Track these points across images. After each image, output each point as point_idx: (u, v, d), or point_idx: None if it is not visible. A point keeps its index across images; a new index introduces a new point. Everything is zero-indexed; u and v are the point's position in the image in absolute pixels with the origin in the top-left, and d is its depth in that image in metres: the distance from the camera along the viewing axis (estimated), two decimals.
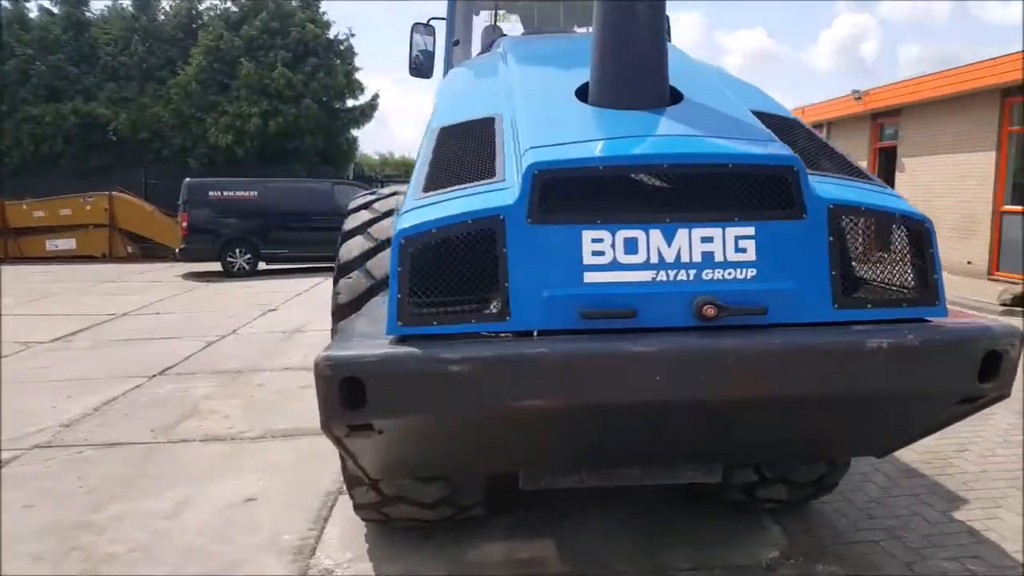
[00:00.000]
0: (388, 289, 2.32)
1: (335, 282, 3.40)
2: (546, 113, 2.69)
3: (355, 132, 25.94)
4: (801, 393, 2.23)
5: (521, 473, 2.86)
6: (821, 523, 3.82)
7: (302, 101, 23.14)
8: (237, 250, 16.66)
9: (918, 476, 4.40)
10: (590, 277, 2.21)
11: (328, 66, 24.05)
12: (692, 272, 2.22)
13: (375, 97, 25.44)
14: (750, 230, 2.23)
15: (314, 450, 5.07)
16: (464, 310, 2.20)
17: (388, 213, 3.50)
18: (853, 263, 2.50)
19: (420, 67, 6.05)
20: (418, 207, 2.31)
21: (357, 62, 25.81)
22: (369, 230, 3.46)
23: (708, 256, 2.22)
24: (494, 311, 2.19)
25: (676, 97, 2.68)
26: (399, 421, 2.18)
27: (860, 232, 2.51)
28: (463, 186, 2.36)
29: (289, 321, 10.30)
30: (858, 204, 2.36)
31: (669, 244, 2.21)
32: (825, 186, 2.37)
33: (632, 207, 2.25)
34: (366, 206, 3.64)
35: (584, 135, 2.43)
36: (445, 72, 5.81)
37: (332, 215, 16.08)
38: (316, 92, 23.54)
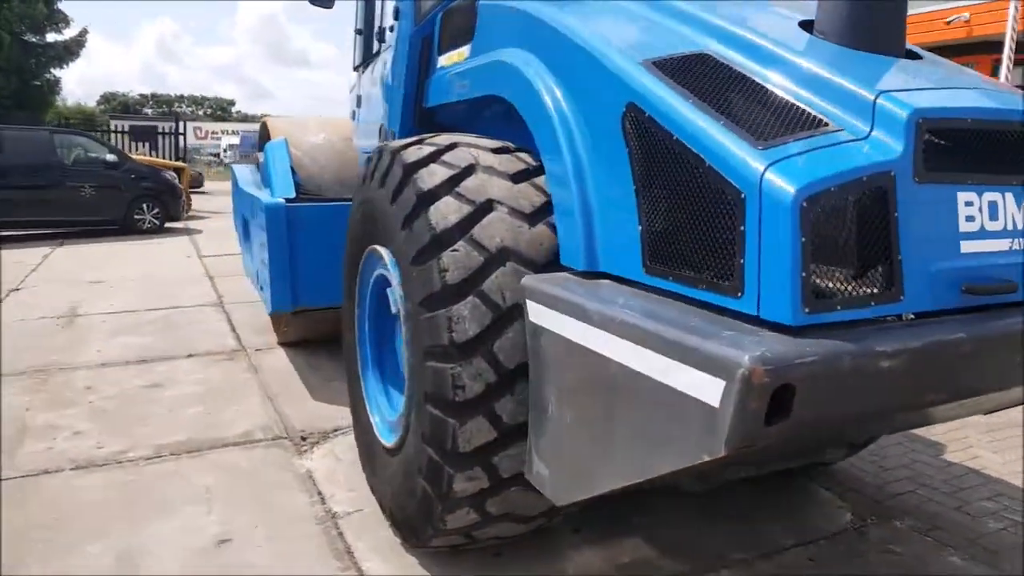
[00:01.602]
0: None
1: (422, 256, 2.65)
2: (804, 54, 2.26)
3: (57, 72, 21.72)
4: None
5: None
6: (859, 484, 3.91)
7: None
8: None
9: None
10: (967, 246, 1.92)
11: None
12: None
13: (83, 33, 21.44)
14: None
15: (247, 466, 4.08)
16: (855, 290, 1.77)
17: (469, 168, 2.80)
18: None
19: None
20: (785, 159, 1.78)
21: None
22: (458, 189, 2.74)
23: None
24: (886, 290, 1.80)
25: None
26: (810, 429, 1.72)
27: None
28: (799, 135, 1.88)
29: (50, 304, 8.28)
30: None
31: None
32: None
33: (994, 167, 1.98)
34: (432, 158, 2.88)
35: (909, 83, 2.09)
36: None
37: (56, 171, 13.44)
38: (8, 23, 19.20)
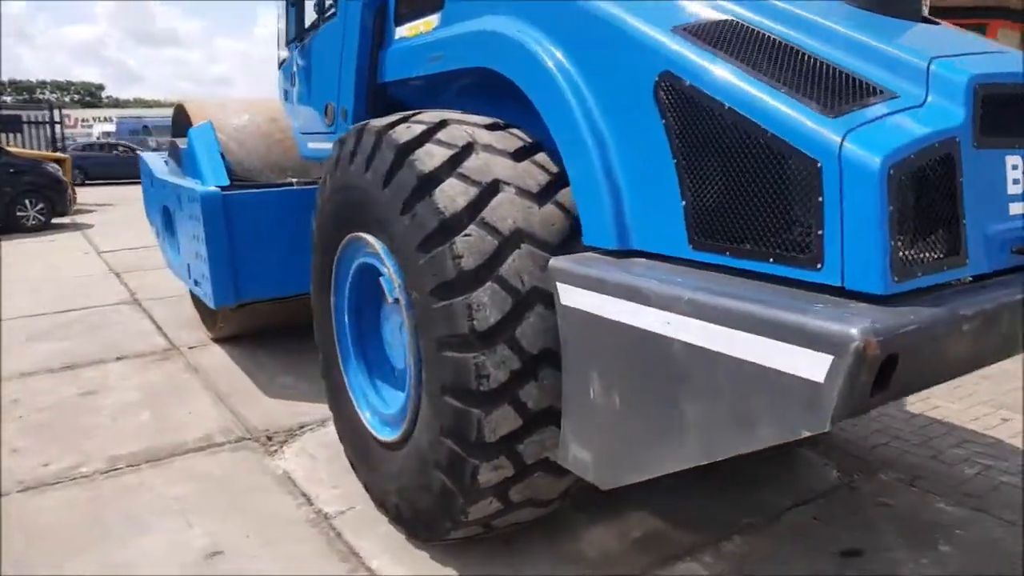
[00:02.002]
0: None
1: (430, 243, 2.55)
2: (832, 18, 2.26)
3: None
4: None
5: None
6: (838, 441, 4.08)
7: None
8: None
9: None
10: (1014, 209, 2.00)
11: None
12: None
13: None
14: None
15: (218, 472, 3.87)
16: (928, 256, 1.80)
17: (468, 147, 2.71)
18: None
19: None
20: (860, 127, 1.76)
21: None
22: (460, 170, 2.64)
23: None
24: (953, 254, 1.85)
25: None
26: (896, 397, 1.75)
27: None
28: (864, 103, 1.87)
29: None
30: None
31: None
32: None
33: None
34: (425, 138, 2.75)
35: (950, 48, 2.13)
36: None
37: None
38: None
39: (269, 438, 4.29)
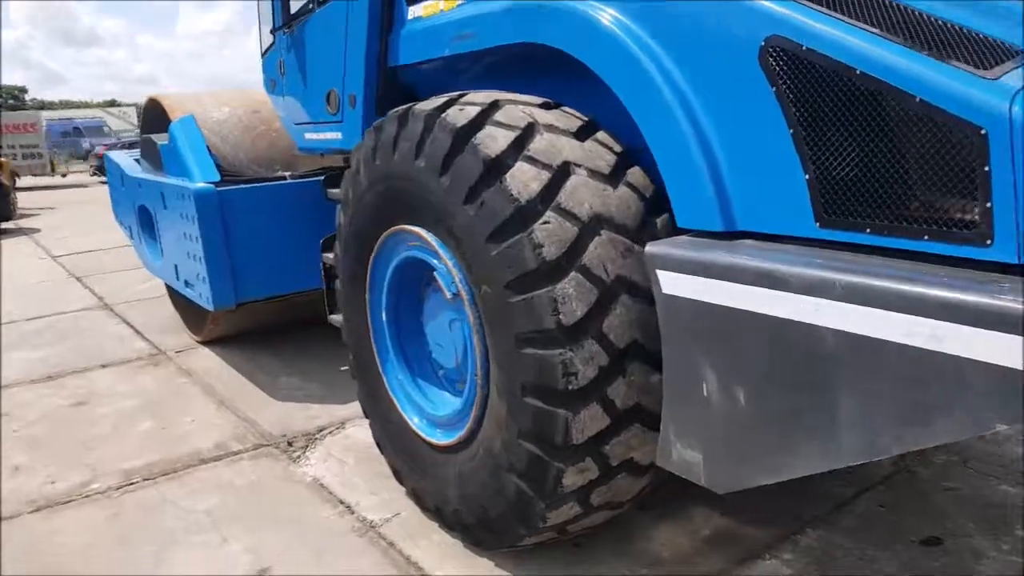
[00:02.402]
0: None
1: (504, 232, 2.40)
2: None
3: None
4: None
5: None
6: None
7: None
8: None
9: None
10: None
11: None
12: None
13: None
14: None
15: (242, 482, 3.67)
16: None
17: (530, 128, 2.56)
18: None
19: None
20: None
21: None
22: (528, 153, 2.50)
23: None
24: None
25: None
26: None
27: None
28: (1014, 62, 1.75)
29: None
30: None
31: None
32: None
33: None
34: (482, 120, 2.60)
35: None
36: None
37: None
38: None
39: (290, 443, 4.09)
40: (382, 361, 3.35)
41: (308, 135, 4.57)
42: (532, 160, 2.47)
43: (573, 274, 2.34)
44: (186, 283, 5.20)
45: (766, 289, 1.89)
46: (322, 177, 4.42)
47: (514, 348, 2.45)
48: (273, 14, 4.71)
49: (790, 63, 1.98)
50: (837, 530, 3.08)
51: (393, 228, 3.03)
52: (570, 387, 2.34)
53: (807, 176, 1.96)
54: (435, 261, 2.84)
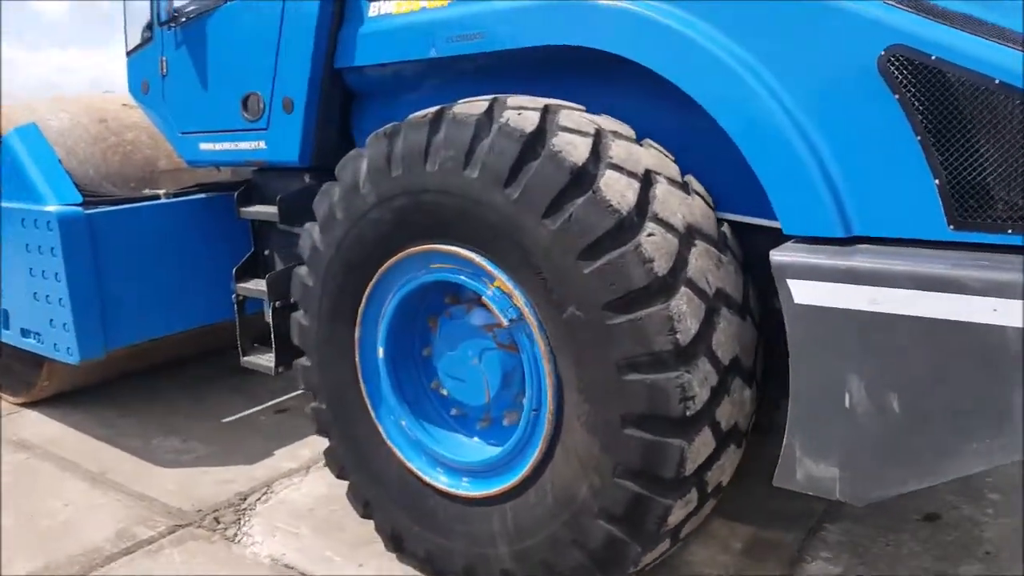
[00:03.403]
0: None
1: (602, 246, 2.13)
2: None
3: None
4: None
5: None
6: None
7: None
8: None
9: None
10: None
11: None
12: None
13: None
14: None
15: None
16: None
17: (599, 134, 2.31)
18: None
19: None
20: None
21: None
22: (611, 160, 2.25)
23: None
24: None
25: None
26: None
27: None
28: None
29: None
30: None
31: None
32: None
33: None
34: (547, 125, 2.30)
35: None
36: None
37: None
38: None
39: (216, 520, 3.35)
40: (374, 406, 2.85)
41: (205, 145, 3.87)
42: (618, 168, 2.24)
43: (683, 289, 2.15)
44: (24, 332, 4.16)
45: (932, 292, 1.85)
46: (233, 193, 3.79)
47: (613, 375, 2.18)
48: (153, 6, 3.95)
49: (916, 72, 1.99)
50: (851, 520, 3.12)
51: (411, 250, 2.59)
52: (687, 412, 2.14)
53: (937, 181, 1.97)
54: (480, 284, 2.47)
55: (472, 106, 2.45)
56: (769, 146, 2.20)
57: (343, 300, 2.83)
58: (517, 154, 2.27)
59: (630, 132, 2.45)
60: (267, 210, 3.65)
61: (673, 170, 2.39)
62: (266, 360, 3.63)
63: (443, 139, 2.42)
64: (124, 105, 4.93)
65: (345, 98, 3.44)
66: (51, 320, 3.88)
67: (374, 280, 2.72)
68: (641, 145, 2.42)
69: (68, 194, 3.94)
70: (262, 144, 3.56)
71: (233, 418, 4.54)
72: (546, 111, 2.35)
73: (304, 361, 3.03)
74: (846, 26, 2.09)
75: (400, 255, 2.62)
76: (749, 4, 2.24)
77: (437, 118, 2.46)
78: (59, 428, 4.48)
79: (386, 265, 2.67)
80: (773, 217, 2.21)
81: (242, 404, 4.68)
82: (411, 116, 2.58)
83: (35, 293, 3.95)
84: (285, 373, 3.53)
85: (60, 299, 3.77)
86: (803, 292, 2.07)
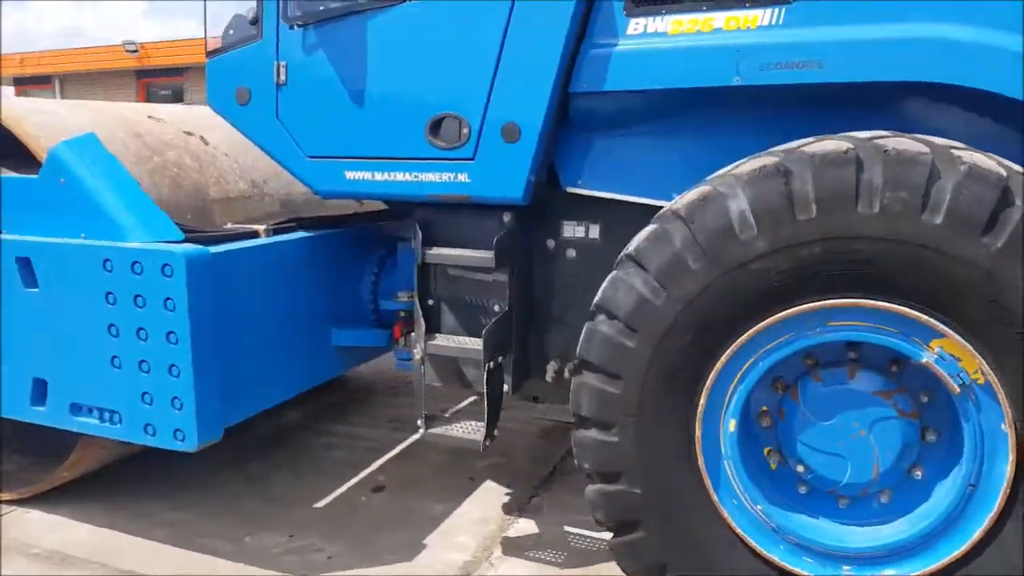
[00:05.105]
0: None
1: None
2: None
3: None
4: None
5: None
6: None
7: None
8: None
9: None
10: None
11: None
12: None
13: None
14: None
15: None
16: None
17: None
18: None
19: None
20: None
21: None
22: None
23: None
24: None
25: None
26: None
27: None
28: None
29: None
30: None
31: None
32: None
33: None
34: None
35: None
36: None
37: None
38: None
39: None
40: (715, 487, 2.42)
41: (355, 173, 3.20)
42: None
43: None
44: (79, 410, 3.13)
45: None
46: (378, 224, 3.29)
47: None
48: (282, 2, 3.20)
49: None
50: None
51: (806, 307, 2.23)
52: None
53: None
54: (912, 345, 2.17)
55: (900, 142, 2.17)
56: None
57: (685, 364, 2.38)
58: (997, 200, 2.03)
59: None
60: (467, 254, 3.06)
61: None
62: (469, 432, 3.01)
63: (887, 179, 2.11)
64: (150, 118, 4.01)
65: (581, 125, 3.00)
66: (145, 394, 2.96)
67: (741, 341, 2.32)
68: None
69: (164, 228, 3.06)
70: (464, 177, 2.99)
71: (327, 501, 3.74)
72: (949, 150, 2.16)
73: (598, 435, 2.52)
74: None
75: (787, 312, 2.26)
76: None
77: (874, 151, 2.16)
78: (84, 534, 3.43)
79: (764, 324, 2.29)
80: None
81: (317, 482, 3.89)
82: (805, 149, 2.25)
83: (114, 359, 2.99)
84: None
85: (172, 366, 2.88)
86: None
